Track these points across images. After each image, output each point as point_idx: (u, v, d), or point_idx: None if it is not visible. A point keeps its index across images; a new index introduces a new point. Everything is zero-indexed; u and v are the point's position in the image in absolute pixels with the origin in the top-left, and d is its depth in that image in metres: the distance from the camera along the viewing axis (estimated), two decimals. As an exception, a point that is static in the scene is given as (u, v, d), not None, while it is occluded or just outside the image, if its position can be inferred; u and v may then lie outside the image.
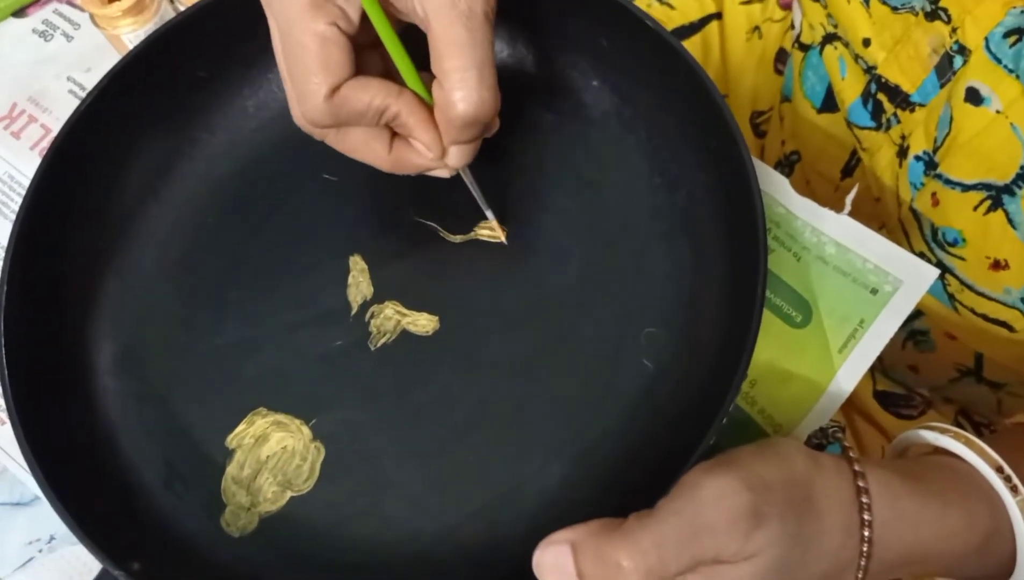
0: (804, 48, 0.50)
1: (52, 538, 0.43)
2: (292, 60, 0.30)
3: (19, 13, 0.51)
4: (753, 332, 0.30)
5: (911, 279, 0.34)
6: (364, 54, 0.31)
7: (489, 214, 0.36)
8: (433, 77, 0.30)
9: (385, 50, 0.31)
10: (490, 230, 0.37)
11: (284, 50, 0.30)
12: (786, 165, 0.54)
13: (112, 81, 0.37)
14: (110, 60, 0.38)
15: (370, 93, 0.30)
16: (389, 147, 0.32)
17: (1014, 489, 0.31)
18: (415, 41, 0.31)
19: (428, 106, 0.31)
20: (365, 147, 0.32)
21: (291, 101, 0.31)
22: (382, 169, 0.33)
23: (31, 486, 0.43)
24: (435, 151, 0.31)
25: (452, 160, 0.32)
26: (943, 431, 0.33)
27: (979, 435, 0.50)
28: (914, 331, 0.47)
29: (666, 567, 0.25)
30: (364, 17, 0.30)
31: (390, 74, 0.31)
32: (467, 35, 0.28)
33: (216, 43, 0.38)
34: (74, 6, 0.51)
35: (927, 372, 0.49)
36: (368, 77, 0.30)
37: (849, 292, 0.35)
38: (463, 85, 0.29)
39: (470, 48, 0.28)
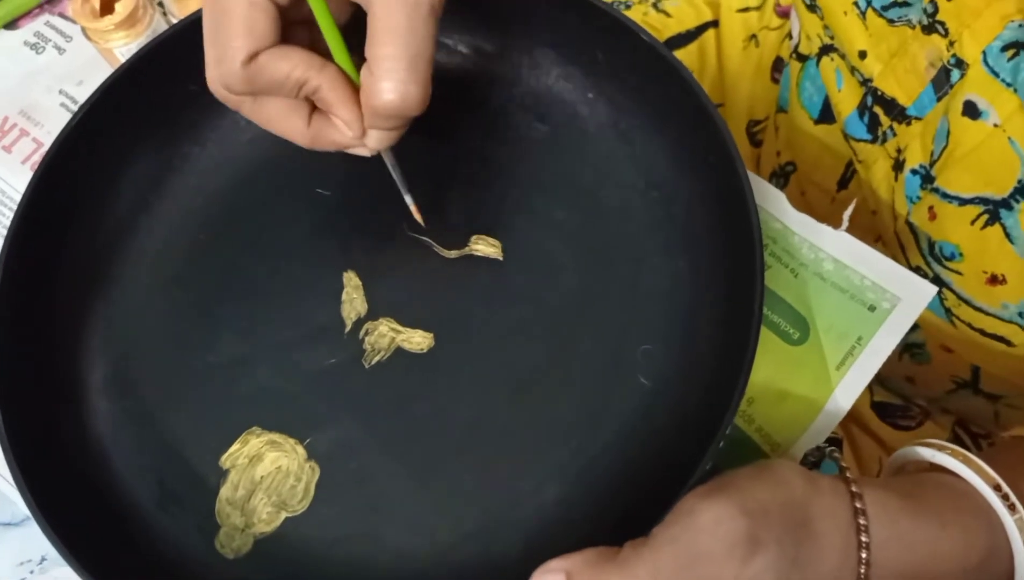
0: (802, 58, 0.50)
1: (44, 559, 0.42)
2: (215, 22, 0.29)
3: (10, 25, 0.51)
4: (751, 350, 0.30)
5: (909, 296, 0.34)
6: (294, 28, 0.30)
7: (408, 199, 0.35)
8: (364, 60, 0.29)
9: (315, 28, 0.30)
10: (485, 245, 0.37)
11: (210, 12, 0.29)
12: (781, 176, 0.54)
13: (104, 94, 0.36)
14: (102, 73, 0.37)
15: (291, 63, 0.29)
16: (308, 121, 0.31)
17: (1012, 508, 0.31)
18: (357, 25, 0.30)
19: (352, 83, 0.30)
20: (283, 120, 0.31)
21: (208, 65, 0.30)
22: (300, 144, 0.32)
23: (22, 506, 0.42)
24: (355, 130, 0.30)
25: (372, 142, 0.31)
26: (940, 448, 0.32)
27: (977, 447, 0.50)
28: (910, 344, 0.47)
29: (663, 596, 0.25)
30: None
31: (317, 51, 0.30)
32: (406, 24, 0.27)
33: (207, 58, 0.37)
34: (66, 19, 0.51)
35: (923, 384, 0.49)
36: (291, 47, 0.29)
37: (847, 309, 0.34)
38: (391, 75, 0.28)
39: (407, 37, 0.27)
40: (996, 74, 0.36)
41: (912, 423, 0.51)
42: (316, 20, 0.30)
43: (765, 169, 0.56)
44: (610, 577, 0.25)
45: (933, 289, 0.34)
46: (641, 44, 0.34)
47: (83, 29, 0.46)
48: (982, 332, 0.42)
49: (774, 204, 0.36)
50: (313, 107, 0.31)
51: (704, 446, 0.29)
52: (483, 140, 0.38)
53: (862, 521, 0.28)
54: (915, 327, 0.46)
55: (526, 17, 0.37)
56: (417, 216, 0.36)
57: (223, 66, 0.29)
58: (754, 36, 0.55)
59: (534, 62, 0.39)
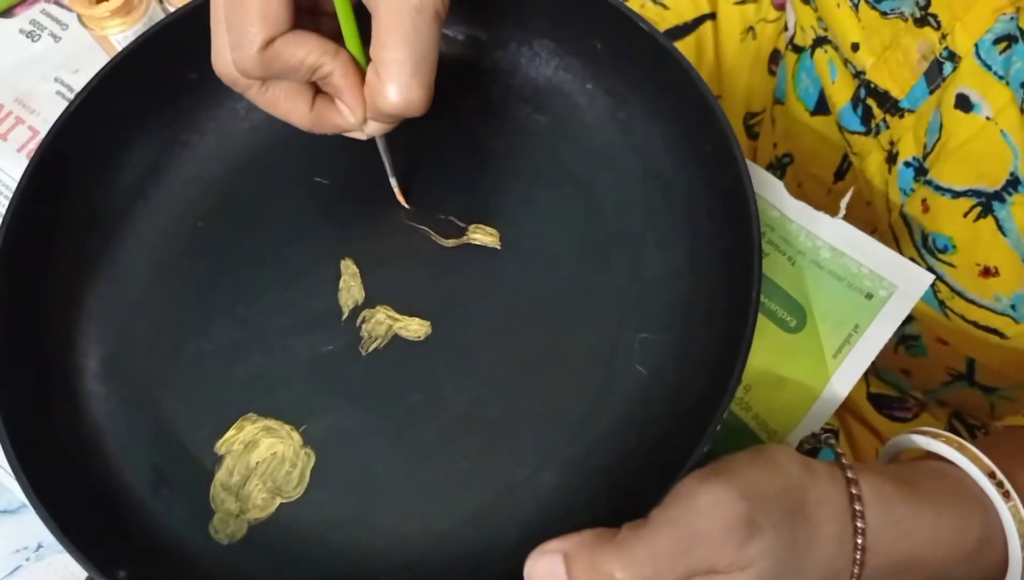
0: (798, 50, 0.50)
1: (40, 546, 0.42)
2: (231, 8, 0.29)
3: (6, 13, 0.50)
4: (748, 337, 0.30)
5: (905, 284, 0.34)
6: (300, 16, 0.31)
7: (393, 182, 0.36)
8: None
9: (320, 17, 0.31)
10: (483, 234, 0.37)
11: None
12: (778, 167, 0.54)
13: (101, 82, 0.36)
14: (98, 61, 0.37)
15: (306, 49, 0.30)
16: (311, 105, 0.32)
17: (1006, 495, 0.31)
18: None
19: (361, 70, 0.31)
20: (287, 102, 0.32)
21: (218, 49, 0.31)
22: (300, 126, 0.33)
23: (18, 493, 0.42)
24: (358, 117, 0.31)
25: (371, 129, 0.32)
26: (935, 436, 0.32)
27: (973, 438, 0.50)
28: (905, 336, 0.47)
29: (660, 578, 0.25)
30: None
31: (323, 33, 0.31)
32: (411, 28, 0.28)
33: (206, 44, 0.37)
34: (62, 6, 0.50)
35: (919, 376, 0.49)
36: (305, 33, 0.30)
37: (844, 297, 0.35)
38: (396, 79, 0.29)
39: (412, 42, 0.28)
40: (988, 67, 0.36)
41: (908, 415, 0.51)
42: (323, 8, 0.30)
43: (762, 161, 0.56)
44: (608, 558, 0.25)
45: (930, 277, 0.34)
46: (640, 33, 0.34)
47: (79, 17, 0.46)
48: (975, 324, 0.42)
49: (772, 192, 0.36)
50: (316, 91, 0.32)
51: (701, 432, 0.29)
52: (482, 130, 0.38)
53: (858, 507, 0.28)
54: (911, 319, 0.46)
55: (525, 7, 0.37)
56: (400, 198, 0.36)
57: (240, 51, 0.29)
58: (751, 28, 0.55)
59: (533, 53, 0.39)
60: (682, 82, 0.34)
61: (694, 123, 0.34)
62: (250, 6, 0.29)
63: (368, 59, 0.30)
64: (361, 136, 0.33)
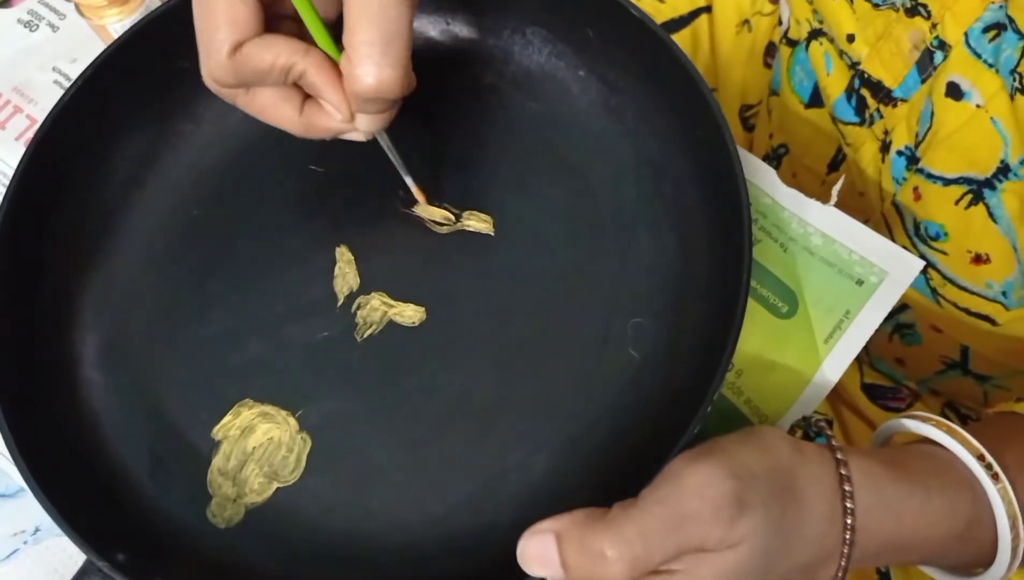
0: (792, 44, 0.50)
1: (37, 529, 0.42)
2: (200, 15, 0.29)
3: (4, 3, 0.51)
4: (738, 322, 0.30)
5: (896, 270, 0.34)
6: (281, 23, 0.31)
7: (408, 180, 0.36)
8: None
9: (302, 22, 0.31)
10: (477, 220, 0.37)
11: (196, 9, 0.30)
12: (774, 158, 0.54)
13: (96, 71, 0.37)
14: (96, 51, 0.37)
15: (275, 51, 0.30)
16: (300, 110, 0.32)
17: (995, 477, 0.31)
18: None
19: (337, 67, 0.31)
20: (275, 109, 0.32)
21: (200, 60, 0.31)
22: (294, 133, 0.32)
23: (15, 477, 0.42)
24: (344, 113, 0.31)
25: (363, 125, 0.32)
26: (925, 420, 0.33)
27: (964, 426, 0.50)
28: (900, 324, 0.48)
29: (651, 556, 0.25)
30: None
31: (304, 39, 0.31)
32: (378, 9, 0.28)
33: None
34: (60, -4, 0.51)
35: (913, 365, 0.50)
36: (275, 36, 0.30)
37: (835, 283, 0.35)
38: (367, 60, 0.28)
39: (379, 23, 0.28)
40: (978, 55, 0.37)
41: (902, 405, 0.51)
42: (284, 11, 0.30)
43: (758, 152, 0.56)
44: (598, 537, 0.25)
45: (920, 263, 0.34)
46: (631, 20, 0.35)
47: (77, 6, 0.46)
48: (967, 311, 0.42)
49: (764, 179, 0.36)
50: (304, 96, 0.32)
51: (691, 415, 0.29)
52: (475, 118, 0.39)
53: (847, 488, 0.29)
54: (904, 308, 0.47)
55: (517, -4, 0.38)
56: (420, 196, 0.36)
57: (210, 59, 0.30)
58: (747, 21, 0.55)
59: (526, 40, 0.39)
60: (673, 68, 0.34)
61: (686, 109, 0.34)
62: (218, 13, 0.29)
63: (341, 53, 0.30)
64: (358, 136, 0.33)
